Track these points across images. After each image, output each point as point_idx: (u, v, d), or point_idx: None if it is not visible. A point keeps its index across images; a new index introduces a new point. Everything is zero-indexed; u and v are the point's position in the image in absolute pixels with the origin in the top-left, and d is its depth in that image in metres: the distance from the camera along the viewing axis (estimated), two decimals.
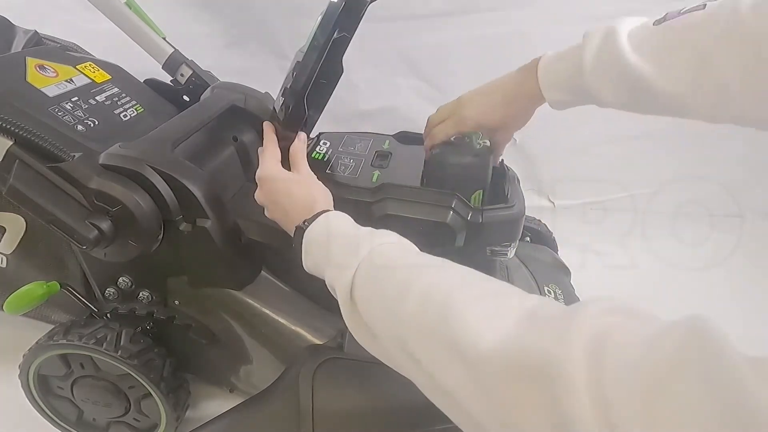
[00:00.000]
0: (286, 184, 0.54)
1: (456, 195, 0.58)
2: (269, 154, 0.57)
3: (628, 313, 0.27)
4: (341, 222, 0.48)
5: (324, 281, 0.46)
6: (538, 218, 0.98)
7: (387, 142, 0.73)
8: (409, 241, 0.45)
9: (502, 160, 0.69)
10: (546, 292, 0.77)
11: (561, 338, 0.26)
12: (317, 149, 0.70)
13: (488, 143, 0.64)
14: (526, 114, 0.58)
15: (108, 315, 0.68)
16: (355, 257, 0.42)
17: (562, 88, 0.52)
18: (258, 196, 0.56)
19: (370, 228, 0.47)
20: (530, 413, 0.26)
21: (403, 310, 0.36)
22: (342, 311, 0.42)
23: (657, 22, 0.46)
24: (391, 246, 0.43)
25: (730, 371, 0.20)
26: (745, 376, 0.19)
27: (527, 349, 0.28)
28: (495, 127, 0.59)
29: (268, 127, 0.60)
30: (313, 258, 0.48)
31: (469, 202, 0.59)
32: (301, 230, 0.49)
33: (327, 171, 0.64)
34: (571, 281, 0.86)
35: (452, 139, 0.65)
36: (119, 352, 0.61)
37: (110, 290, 0.67)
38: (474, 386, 0.30)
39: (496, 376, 0.28)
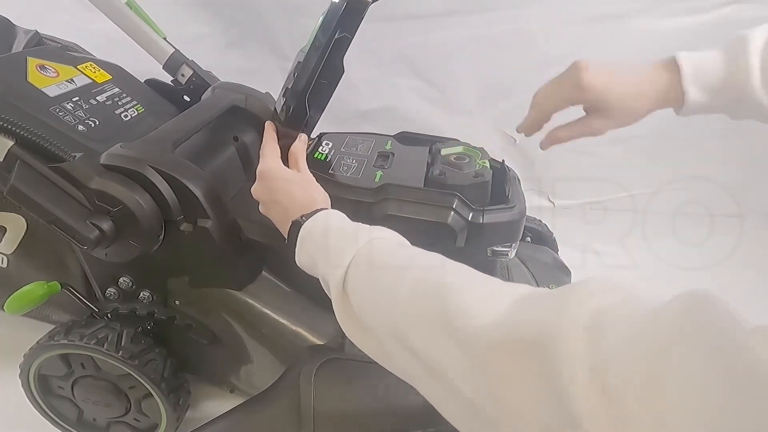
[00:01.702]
0: (288, 184, 0.53)
1: (457, 195, 0.58)
2: (270, 150, 0.56)
3: (628, 291, 0.27)
4: (339, 219, 0.49)
5: None
6: (538, 218, 0.98)
7: (389, 142, 0.73)
8: (404, 238, 0.45)
9: (503, 160, 0.69)
10: None
11: (559, 310, 0.26)
12: (319, 149, 0.69)
13: (487, 164, 0.64)
14: (642, 113, 0.53)
15: (109, 315, 0.68)
16: (351, 249, 0.42)
17: (717, 91, 0.49)
18: (256, 190, 0.55)
19: (367, 225, 0.47)
20: (525, 386, 0.26)
21: (396, 296, 0.36)
22: (333, 304, 0.42)
23: None
24: (387, 241, 0.44)
25: (731, 335, 0.20)
26: (745, 339, 0.19)
27: (522, 322, 0.28)
28: (607, 109, 0.54)
29: (269, 126, 0.60)
30: (307, 252, 0.47)
31: None
32: (298, 224, 0.49)
33: (329, 171, 0.64)
34: (572, 282, 0.86)
35: (453, 159, 0.65)
36: (120, 352, 0.61)
37: (111, 290, 0.67)
38: (468, 364, 0.29)
39: (490, 352, 0.28)
